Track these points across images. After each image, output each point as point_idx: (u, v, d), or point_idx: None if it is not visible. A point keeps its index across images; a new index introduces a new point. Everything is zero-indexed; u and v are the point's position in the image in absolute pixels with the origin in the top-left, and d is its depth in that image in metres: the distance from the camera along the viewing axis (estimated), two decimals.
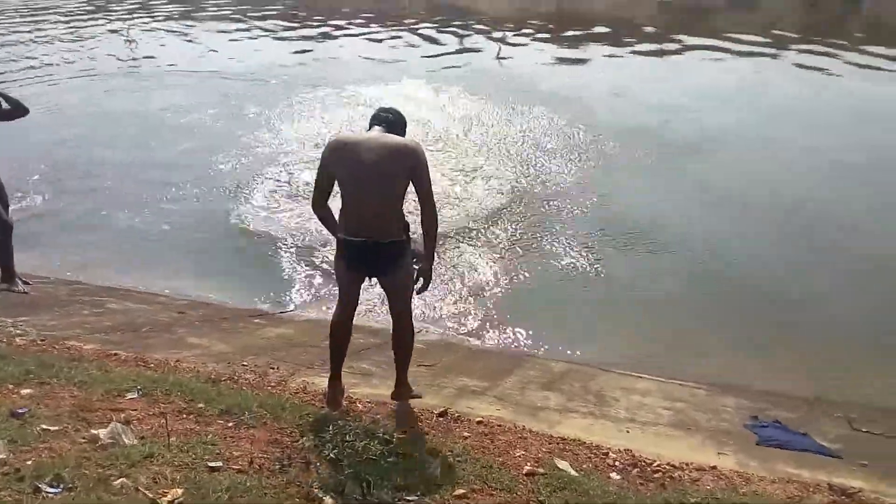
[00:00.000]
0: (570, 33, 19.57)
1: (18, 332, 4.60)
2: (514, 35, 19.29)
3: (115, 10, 24.38)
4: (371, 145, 3.45)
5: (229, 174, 9.65)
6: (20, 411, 3.06)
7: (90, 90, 14.38)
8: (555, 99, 12.34)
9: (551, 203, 8.61)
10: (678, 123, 11.37)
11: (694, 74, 15.24)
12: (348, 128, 10.50)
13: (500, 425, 3.86)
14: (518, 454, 3.44)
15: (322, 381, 4.41)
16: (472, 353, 5.70)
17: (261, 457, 2.96)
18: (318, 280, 7.05)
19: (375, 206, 3.46)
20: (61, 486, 2.43)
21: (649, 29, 20.21)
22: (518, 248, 7.51)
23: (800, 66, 15.31)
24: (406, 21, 21.21)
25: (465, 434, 3.67)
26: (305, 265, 7.32)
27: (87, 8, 25.13)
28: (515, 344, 5.98)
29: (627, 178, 9.37)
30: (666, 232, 7.92)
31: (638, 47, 17.55)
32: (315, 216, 3.78)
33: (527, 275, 6.98)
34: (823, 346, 5.87)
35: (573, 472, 3.28)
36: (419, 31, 19.67)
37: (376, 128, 3.62)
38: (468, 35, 19.29)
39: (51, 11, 24.31)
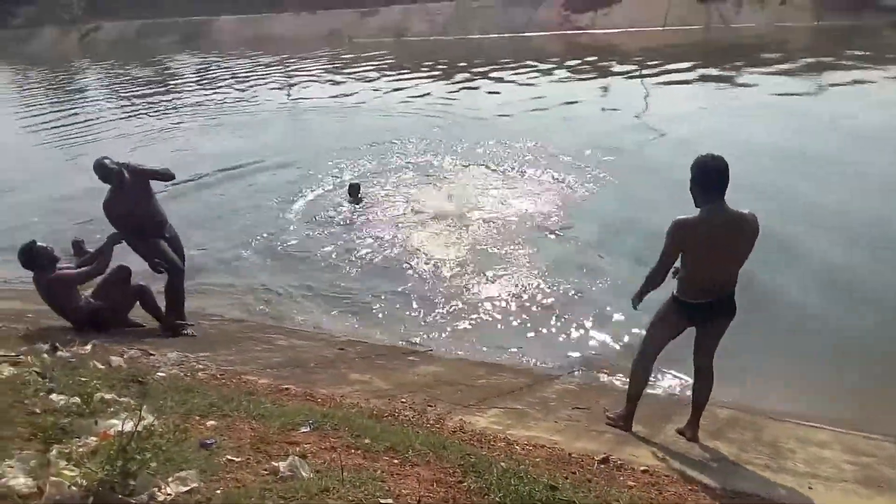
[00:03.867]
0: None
1: (200, 366, 4.99)
2: (659, 73, 18.69)
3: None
4: (726, 231, 3.84)
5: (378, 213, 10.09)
6: (208, 442, 3.26)
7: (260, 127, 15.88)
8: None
9: None
10: None
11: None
12: None
13: (667, 475, 3.68)
14: None
15: (478, 420, 4.45)
16: None
17: (427, 496, 2.98)
18: (464, 320, 7.13)
19: (727, 275, 3.99)
20: None
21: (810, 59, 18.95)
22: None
23: None
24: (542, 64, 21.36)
25: (630, 483, 3.53)
26: (453, 305, 7.44)
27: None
28: (672, 388, 5.71)
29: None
30: (848, 268, 7.32)
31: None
32: (653, 279, 4.12)
33: None
34: None
35: None
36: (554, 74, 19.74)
37: (716, 204, 3.84)
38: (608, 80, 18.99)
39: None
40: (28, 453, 2.73)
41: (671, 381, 5.68)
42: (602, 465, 3.77)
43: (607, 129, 13.76)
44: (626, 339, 6.44)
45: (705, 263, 3.92)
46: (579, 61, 21.20)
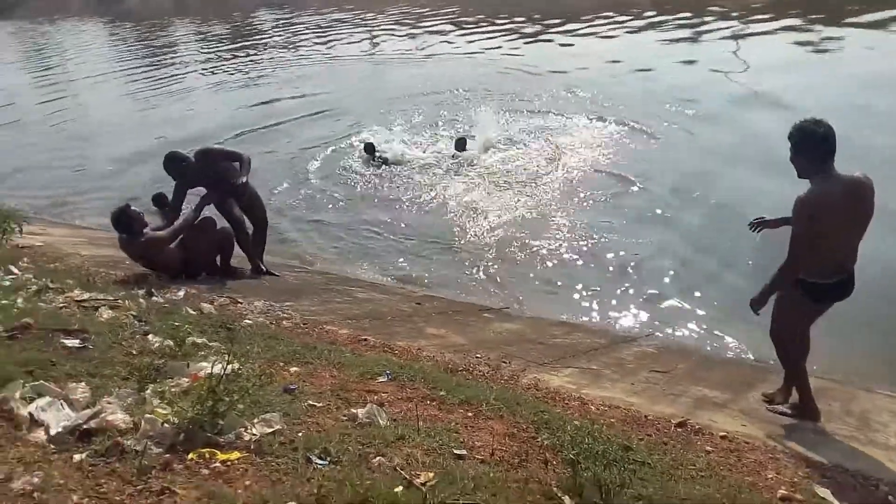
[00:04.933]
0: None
1: (285, 315, 5.17)
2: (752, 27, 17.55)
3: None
4: (850, 198, 3.57)
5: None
6: (291, 387, 3.40)
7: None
8: None
9: None
10: None
11: None
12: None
13: (747, 442, 3.58)
14: (770, 476, 3.17)
15: (552, 379, 4.43)
16: (708, 361, 5.38)
17: (500, 449, 3.02)
18: (540, 280, 7.08)
19: (852, 246, 3.75)
20: (328, 458, 2.66)
21: None
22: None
23: None
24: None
25: (708, 448, 3.45)
26: (529, 262, 7.39)
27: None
28: (757, 353, 5.52)
29: None
30: None
31: None
32: (791, 269, 3.75)
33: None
34: None
35: (836, 502, 2.95)
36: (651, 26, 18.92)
37: (830, 171, 3.58)
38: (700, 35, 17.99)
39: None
40: (125, 391, 2.92)
41: (754, 345, 5.50)
42: (679, 429, 3.70)
43: (693, 83, 13.17)
44: (712, 301, 6.27)
45: (835, 237, 3.64)
46: (665, 13, 20.23)
